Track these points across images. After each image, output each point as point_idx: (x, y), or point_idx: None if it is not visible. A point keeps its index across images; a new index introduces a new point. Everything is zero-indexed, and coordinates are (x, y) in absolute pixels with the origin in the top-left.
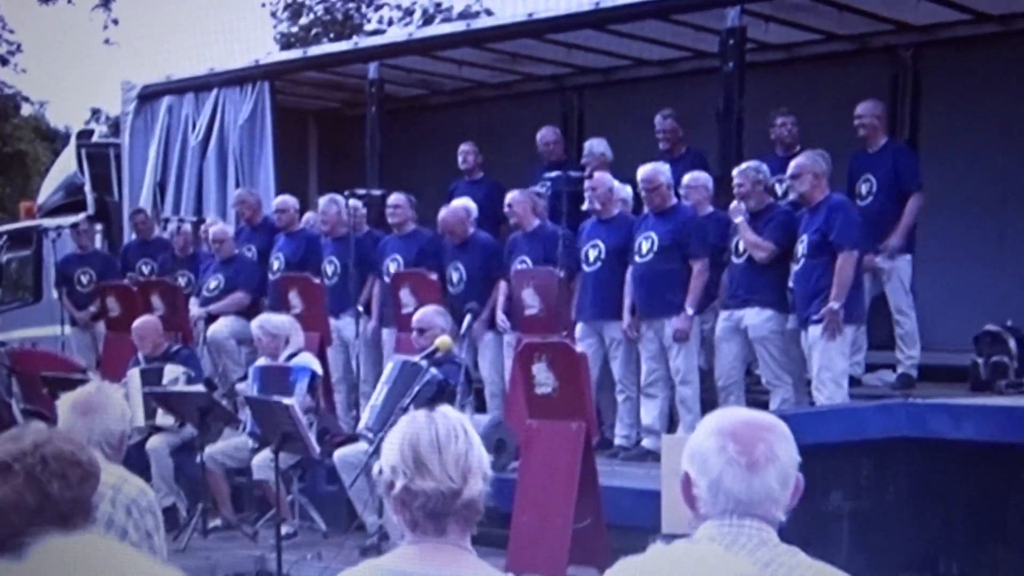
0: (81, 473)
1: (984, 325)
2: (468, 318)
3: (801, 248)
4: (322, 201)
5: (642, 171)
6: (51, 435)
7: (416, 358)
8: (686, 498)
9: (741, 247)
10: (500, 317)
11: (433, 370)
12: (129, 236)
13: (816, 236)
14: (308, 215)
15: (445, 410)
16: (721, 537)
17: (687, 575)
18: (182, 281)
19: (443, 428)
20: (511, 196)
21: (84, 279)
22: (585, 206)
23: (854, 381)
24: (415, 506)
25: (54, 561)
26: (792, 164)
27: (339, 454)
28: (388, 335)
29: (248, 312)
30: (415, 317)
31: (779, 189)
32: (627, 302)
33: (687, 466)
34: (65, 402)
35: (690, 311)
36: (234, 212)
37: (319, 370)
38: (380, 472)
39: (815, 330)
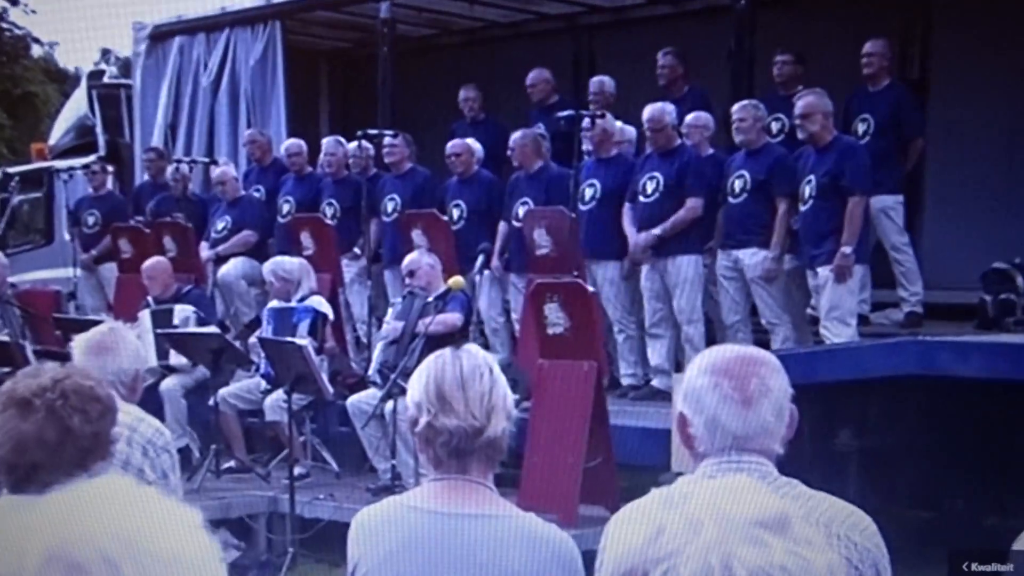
0: (100, 408)
1: (992, 263)
2: (481, 258)
3: (808, 189)
4: (327, 142)
5: (647, 111)
6: (69, 371)
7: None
8: (683, 438)
9: (736, 187)
10: (495, 263)
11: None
12: (141, 177)
13: (825, 179)
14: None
15: (471, 347)
16: (721, 474)
17: (723, 508)
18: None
19: (468, 365)
20: (514, 137)
21: (91, 220)
22: (585, 146)
23: (862, 320)
24: (438, 443)
25: (75, 501)
26: (801, 103)
27: (351, 401)
28: (391, 276)
29: (257, 253)
30: (404, 261)
31: (774, 128)
32: (631, 240)
33: (682, 406)
34: (79, 343)
35: (657, 231)
36: (245, 153)
37: (329, 312)
38: (403, 409)
39: (823, 272)
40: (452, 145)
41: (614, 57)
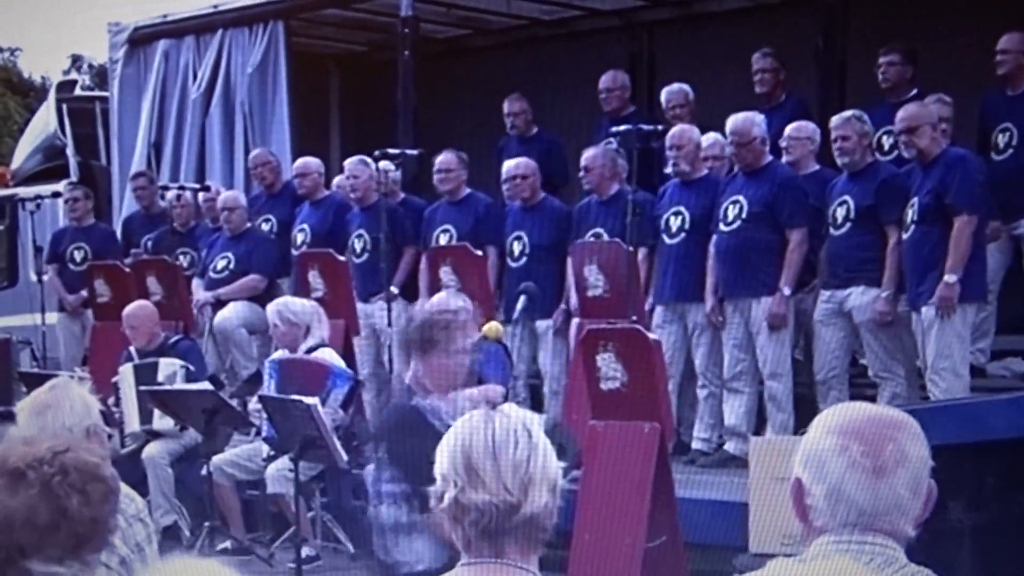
0: (103, 490)
1: None
2: (523, 300)
3: (911, 213)
4: (350, 163)
5: (732, 121)
6: (69, 443)
7: None
8: (797, 508)
9: (839, 216)
10: (559, 312)
11: None
12: (122, 206)
13: (929, 198)
14: (337, 179)
15: (508, 408)
16: (839, 556)
17: None
18: (184, 261)
19: (500, 430)
20: (589, 155)
21: (78, 256)
22: (668, 168)
23: (976, 371)
24: (467, 522)
25: None
26: (902, 116)
27: (370, 469)
28: None
29: (262, 297)
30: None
31: (885, 143)
32: (710, 281)
33: (800, 470)
34: (24, 407)
35: (786, 291)
36: (248, 177)
37: (347, 369)
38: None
39: (928, 311)
40: (515, 165)
41: (678, 60)
